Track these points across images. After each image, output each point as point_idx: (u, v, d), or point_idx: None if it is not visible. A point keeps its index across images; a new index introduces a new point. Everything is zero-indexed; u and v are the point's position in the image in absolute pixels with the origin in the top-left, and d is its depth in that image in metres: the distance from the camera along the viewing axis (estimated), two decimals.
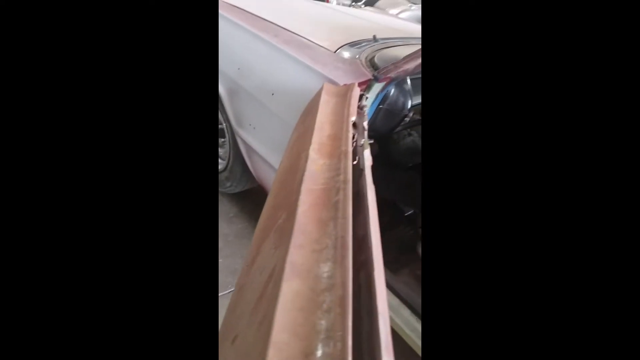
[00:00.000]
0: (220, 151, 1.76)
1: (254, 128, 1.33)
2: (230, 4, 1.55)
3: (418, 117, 1.51)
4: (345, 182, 0.54)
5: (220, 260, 1.48)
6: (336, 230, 0.44)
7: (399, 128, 1.34)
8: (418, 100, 1.26)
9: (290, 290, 0.35)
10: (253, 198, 1.79)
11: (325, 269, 0.39)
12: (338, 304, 0.34)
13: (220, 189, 1.76)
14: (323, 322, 0.32)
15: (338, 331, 0.31)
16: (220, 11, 1.45)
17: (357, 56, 1.22)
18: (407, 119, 1.32)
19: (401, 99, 1.18)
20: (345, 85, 1.02)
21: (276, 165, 1.26)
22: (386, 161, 1.69)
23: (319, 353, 0.29)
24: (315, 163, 0.61)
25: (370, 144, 1.26)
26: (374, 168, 0.67)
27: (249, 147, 1.39)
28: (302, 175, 0.57)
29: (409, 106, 1.20)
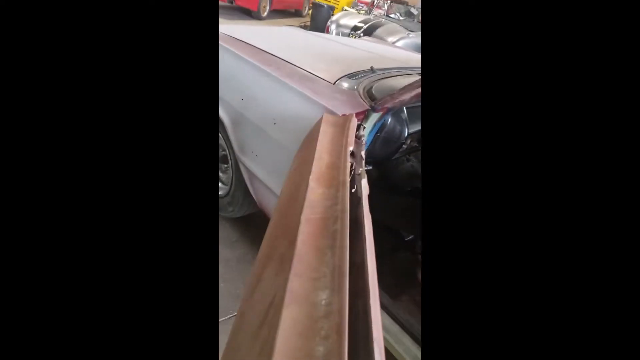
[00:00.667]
0: (223, 177, 1.80)
1: (256, 155, 1.38)
2: (235, 38, 1.63)
3: (415, 144, 1.56)
4: (342, 211, 0.57)
5: (221, 285, 1.48)
6: (334, 259, 0.47)
7: (397, 155, 1.39)
8: (414, 128, 1.31)
9: (289, 317, 0.38)
10: (255, 223, 1.81)
11: (323, 296, 0.41)
12: (335, 330, 0.36)
13: (222, 214, 1.78)
14: (321, 348, 0.34)
15: (334, 357, 0.33)
16: (225, 44, 1.53)
17: (355, 87, 1.28)
18: (404, 147, 1.36)
19: (398, 128, 1.23)
20: (343, 115, 1.06)
21: (277, 190, 1.30)
22: (386, 186, 1.72)
23: None
24: (314, 192, 0.64)
25: (370, 169, 1.30)
26: (373, 194, 0.69)
27: (251, 174, 1.43)
28: (302, 204, 0.60)
29: (406, 134, 1.24)
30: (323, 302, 0.40)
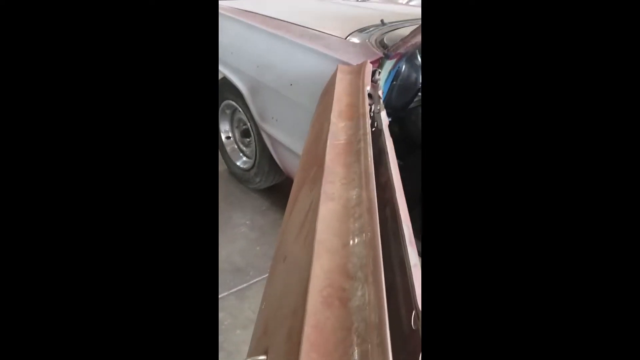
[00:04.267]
0: (247, 150, 1.87)
1: (277, 120, 1.43)
2: (243, 10, 1.66)
3: None
4: (365, 134, 0.61)
5: (257, 248, 1.57)
6: (360, 168, 0.51)
7: (414, 104, 1.39)
8: None
9: (326, 209, 0.43)
10: (284, 192, 1.88)
11: (354, 193, 0.45)
12: (367, 211, 0.41)
13: (250, 186, 1.86)
14: (356, 224, 0.39)
15: (368, 226, 0.38)
16: (234, 16, 1.56)
17: (367, 39, 1.29)
18: (421, 94, 1.37)
19: (413, 74, 1.24)
20: (358, 64, 1.09)
21: (300, 152, 1.34)
22: (406, 141, 1.73)
23: (355, 241, 0.36)
24: (337, 126, 0.68)
25: (389, 121, 1.31)
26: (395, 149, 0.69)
27: (273, 140, 1.49)
28: (327, 136, 0.64)
29: (421, 80, 1.25)
30: (354, 197, 0.45)
